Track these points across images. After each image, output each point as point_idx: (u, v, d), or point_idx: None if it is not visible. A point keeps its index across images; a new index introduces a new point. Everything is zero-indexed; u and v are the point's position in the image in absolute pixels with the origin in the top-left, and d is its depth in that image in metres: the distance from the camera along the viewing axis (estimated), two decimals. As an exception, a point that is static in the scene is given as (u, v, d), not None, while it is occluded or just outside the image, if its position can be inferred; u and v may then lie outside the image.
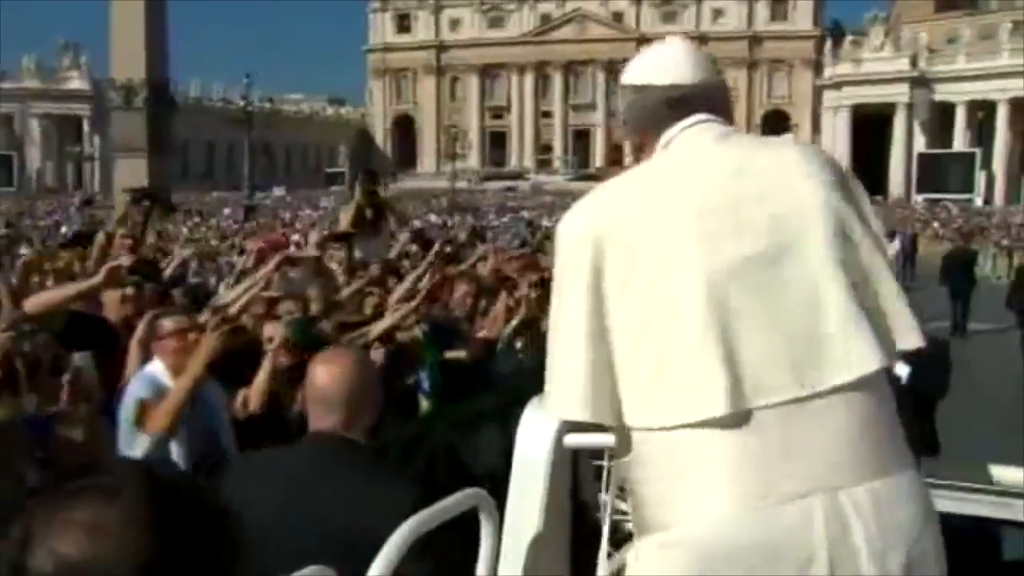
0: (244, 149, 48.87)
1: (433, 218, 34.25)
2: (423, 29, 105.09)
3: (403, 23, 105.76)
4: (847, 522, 1.59)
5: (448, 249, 7.81)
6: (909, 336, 1.75)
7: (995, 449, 2.93)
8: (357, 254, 7.01)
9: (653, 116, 1.88)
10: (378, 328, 5.08)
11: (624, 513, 2.23)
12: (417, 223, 19.38)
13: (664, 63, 1.92)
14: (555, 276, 1.86)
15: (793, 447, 1.62)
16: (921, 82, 73.09)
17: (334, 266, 6.72)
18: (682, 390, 1.66)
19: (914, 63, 74.63)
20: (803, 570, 1.58)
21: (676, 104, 1.86)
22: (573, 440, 2.09)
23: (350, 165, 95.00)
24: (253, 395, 4.15)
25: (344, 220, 8.62)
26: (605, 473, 2.25)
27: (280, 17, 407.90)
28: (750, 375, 1.65)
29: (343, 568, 1.68)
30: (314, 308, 5.15)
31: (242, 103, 49.63)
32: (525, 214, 36.56)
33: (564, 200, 55.63)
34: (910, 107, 72.75)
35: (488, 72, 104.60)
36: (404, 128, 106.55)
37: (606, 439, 2.00)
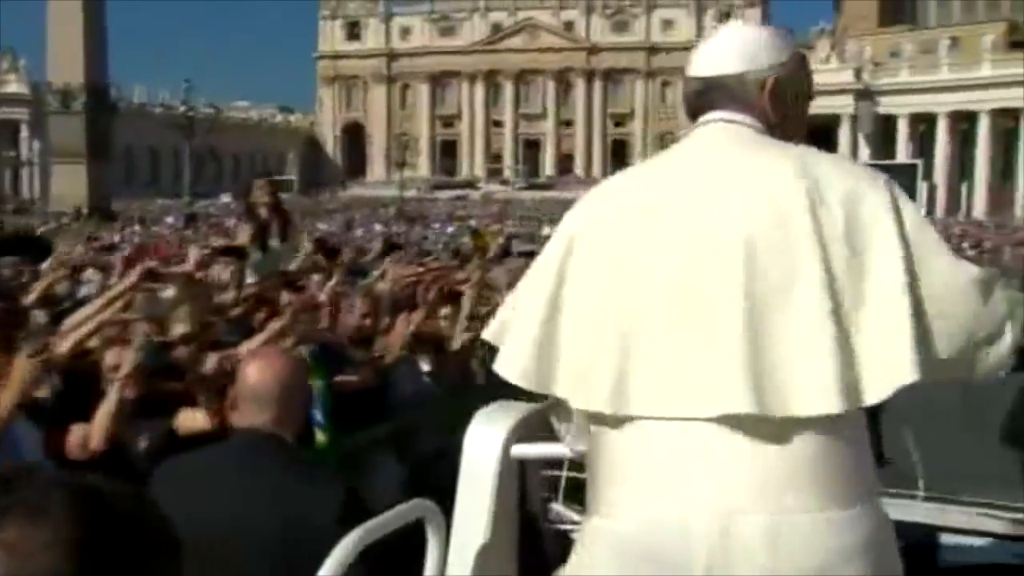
0: (186, 156, 47.97)
1: (378, 227, 33.85)
2: (373, 37, 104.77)
3: (353, 31, 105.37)
4: (732, 548, 1.56)
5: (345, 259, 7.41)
6: (876, 386, 1.62)
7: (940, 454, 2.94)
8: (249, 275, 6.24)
9: (689, 108, 1.84)
10: (246, 348, 4.30)
11: (576, 523, 2.28)
12: (321, 229, 18.23)
13: (699, 51, 1.87)
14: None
15: (698, 463, 1.60)
16: (865, 94, 74.32)
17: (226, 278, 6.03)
18: (607, 385, 1.68)
19: (858, 76, 75.92)
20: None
21: (698, 97, 1.82)
22: (520, 450, 2.10)
23: (299, 172, 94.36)
24: (95, 432, 3.56)
25: (242, 233, 8.17)
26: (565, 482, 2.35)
27: (230, 25, 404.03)
28: (666, 386, 1.64)
29: (277, 565, 1.69)
30: (178, 330, 4.49)
31: (182, 108, 48.87)
32: (473, 223, 36.33)
33: (513, 209, 56.69)
34: (855, 119, 73.79)
35: (439, 80, 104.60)
36: (354, 136, 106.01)
37: (553, 448, 2.04)
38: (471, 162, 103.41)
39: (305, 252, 7.19)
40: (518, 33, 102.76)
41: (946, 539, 2.70)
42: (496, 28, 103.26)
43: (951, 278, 1.65)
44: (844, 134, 73.42)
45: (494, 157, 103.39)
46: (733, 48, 1.82)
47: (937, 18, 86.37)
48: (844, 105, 73.66)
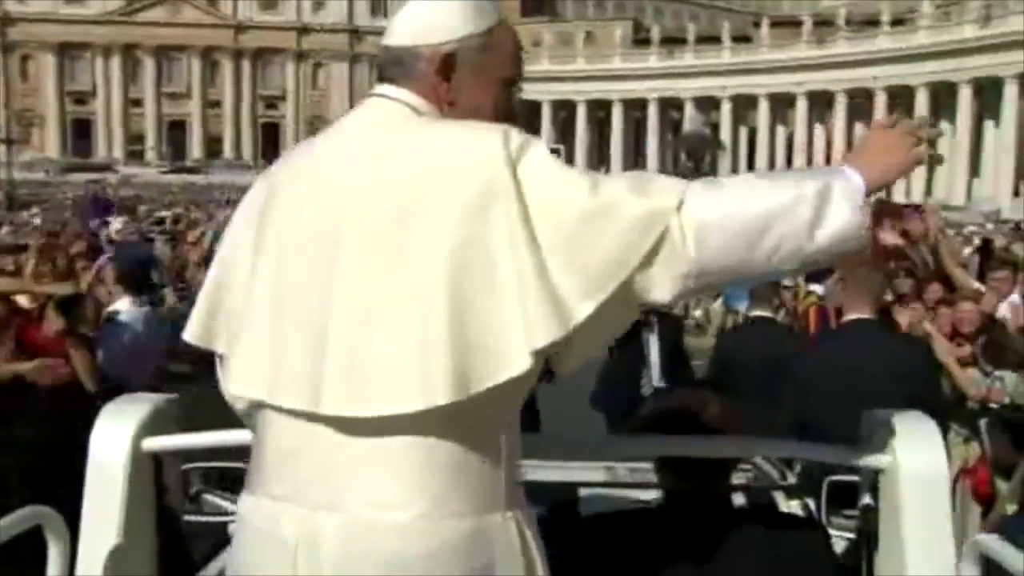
0: None
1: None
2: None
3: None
4: (317, 543, 1.52)
5: None
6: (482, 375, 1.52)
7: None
8: None
9: (378, 78, 1.74)
10: None
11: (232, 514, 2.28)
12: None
13: (392, 19, 1.74)
14: None
15: (299, 453, 1.57)
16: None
17: None
18: (239, 362, 1.66)
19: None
20: (270, 567, 1.57)
21: (380, 68, 1.71)
22: (153, 444, 2.02)
23: None
24: None
25: None
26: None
27: None
28: (285, 373, 1.58)
29: None
30: None
31: None
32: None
33: (153, 192, 52.28)
34: (499, 105, 76.32)
35: (67, 52, 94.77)
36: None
37: (192, 439, 2.06)
38: (109, 143, 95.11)
39: None
40: (158, 5, 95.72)
41: (582, 493, 2.99)
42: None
43: (568, 214, 1.51)
44: (491, 119, 75.45)
45: (135, 138, 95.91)
46: (412, 17, 1.68)
47: (573, 12, 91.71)
48: (489, 90, 75.76)
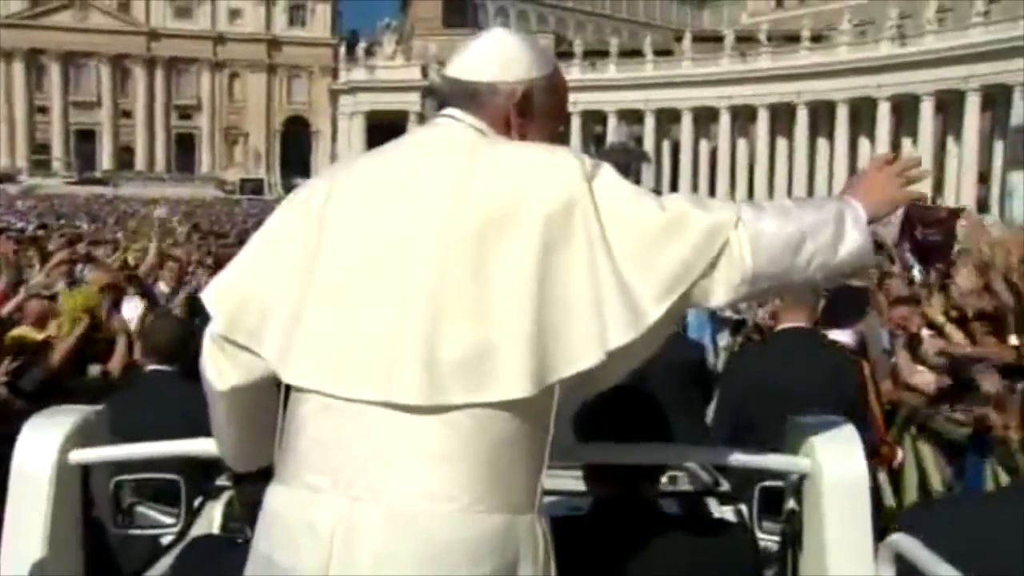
0: None
1: None
2: None
3: None
4: (357, 534, 1.57)
5: None
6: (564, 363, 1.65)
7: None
8: None
9: (439, 102, 1.91)
10: None
11: (167, 525, 2.41)
12: None
13: (460, 53, 1.92)
14: None
15: (341, 445, 1.62)
16: (431, 92, 75.55)
17: None
18: (298, 354, 1.70)
19: (425, 73, 77.27)
20: (302, 557, 1.60)
21: (448, 96, 1.87)
22: (80, 455, 2.01)
23: None
24: None
25: None
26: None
27: None
28: (353, 366, 1.65)
29: None
30: None
31: None
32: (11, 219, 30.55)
33: (61, 204, 49.40)
34: (421, 115, 75.02)
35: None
36: None
37: (121, 450, 2.06)
38: (11, 153, 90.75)
39: None
40: (64, 9, 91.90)
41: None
42: (36, 1, 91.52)
43: (643, 229, 1.69)
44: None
45: (40, 148, 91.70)
46: (488, 55, 1.86)
47: (495, 24, 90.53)
48: (411, 101, 74.55)
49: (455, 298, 1.61)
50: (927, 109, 59.69)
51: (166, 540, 2.76)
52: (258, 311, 1.76)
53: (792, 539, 2.07)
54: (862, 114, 63.40)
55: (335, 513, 1.57)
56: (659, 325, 1.66)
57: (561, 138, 1.92)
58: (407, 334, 1.61)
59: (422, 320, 1.61)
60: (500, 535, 1.59)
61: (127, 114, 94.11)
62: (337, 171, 1.87)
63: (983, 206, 52.80)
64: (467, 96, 1.83)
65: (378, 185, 1.74)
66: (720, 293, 1.70)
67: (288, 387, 1.73)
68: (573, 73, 71.14)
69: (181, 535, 2.64)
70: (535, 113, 1.84)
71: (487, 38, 1.89)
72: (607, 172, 1.71)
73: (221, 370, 1.82)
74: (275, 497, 1.68)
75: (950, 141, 59.66)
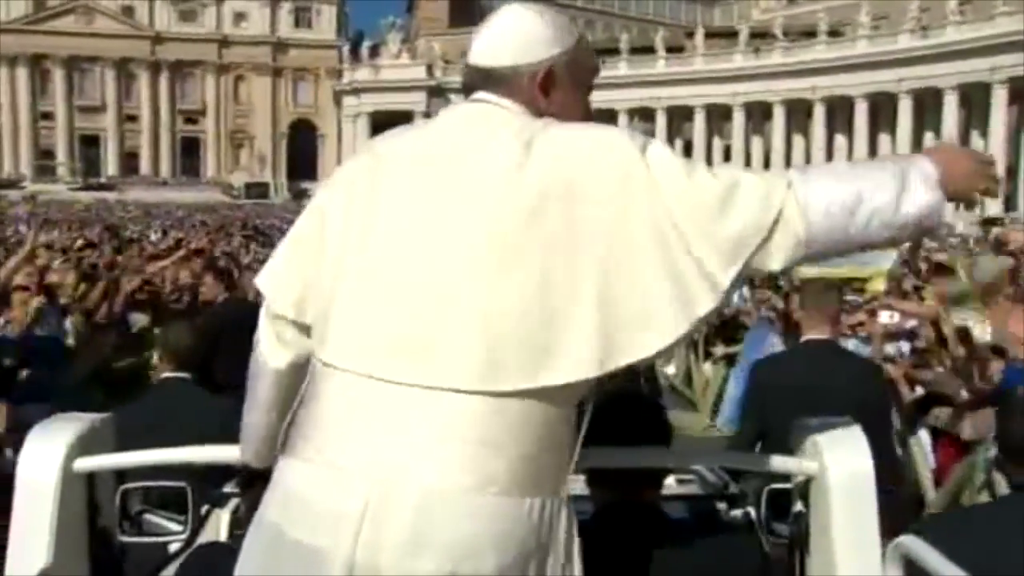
0: None
1: None
2: None
3: None
4: (388, 514, 1.56)
5: None
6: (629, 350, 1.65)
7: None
8: None
9: (465, 89, 1.87)
10: None
11: (174, 533, 2.43)
12: None
13: (478, 38, 1.89)
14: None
15: (372, 426, 1.61)
16: (437, 91, 74.14)
17: None
18: (340, 331, 1.69)
19: (430, 73, 75.83)
20: (322, 535, 1.58)
21: (473, 81, 1.84)
22: (85, 464, 2.02)
23: None
24: None
25: None
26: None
27: None
28: (384, 343, 1.63)
29: None
30: None
31: None
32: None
33: (67, 210, 48.03)
34: (427, 115, 73.31)
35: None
36: None
37: (125, 458, 2.08)
38: (15, 158, 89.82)
39: None
40: (68, 14, 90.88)
41: None
42: (40, 5, 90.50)
43: (702, 198, 1.67)
44: (418, 131, 72.74)
45: (45, 154, 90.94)
46: (507, 38, 1.84)
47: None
48: (416, 101, 73.13)
49: (513, 280, 1.61)
50: (950, 103, 57.76)
51: (173, 547, 2.76)
52: (302, 289, 1.78)
53: (799, 541, 2.06)
54: (882, 109, 61.44)
55: (364, 493, 1.55)
56: (730, 291, 1.68)
57: (589, 109, 1.88)
58: (462, 316, 1.60)
59: (478, 302, 1.60)
60: (536, 518, 1.61)
61: (132, 119, 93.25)
62: (380, 146, 1.83)
63: (1010, 203, 50.85)
64: (492, 81, 1.80)
65: (427, 162, 1.73)
66: (779, 257, 1.70)
67: (313, 367, 1.73)
68: (582, 71, 69.52)
69: (188, 543, 2.64)
70: (562, 89, 1.82)
71: (504, 17, 1.85)
72: (657, 146, 1.71)
73: (275, 349, 1.86)
74: (292, 473, 1.65)
75: (975, 136, 57.65)
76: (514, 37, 1.82)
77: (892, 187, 1.71)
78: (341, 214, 1.77)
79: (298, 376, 1.81)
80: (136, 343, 6.42)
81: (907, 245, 8.11)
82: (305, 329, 1.80)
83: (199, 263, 8.41)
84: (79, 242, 10.20)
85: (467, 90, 1.84)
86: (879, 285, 8.79)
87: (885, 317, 6.94)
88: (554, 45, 1.82)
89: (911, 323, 6.89)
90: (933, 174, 1.73)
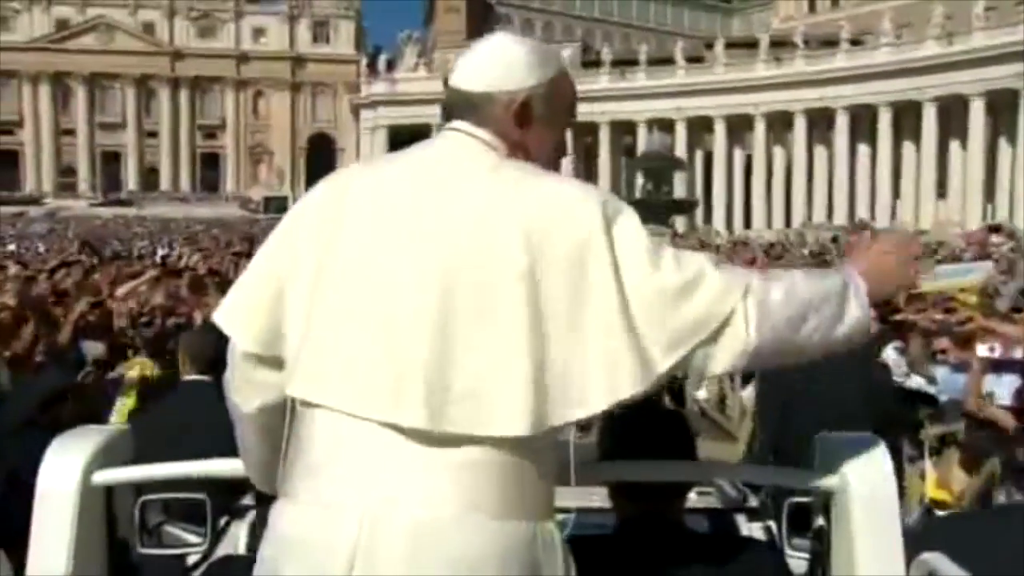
0: None
1: None
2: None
3: None
4: (381, 545, 1.57)
5: None
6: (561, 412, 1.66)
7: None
8: None
9: (444, 112, 1.87)
10: None
11: (192, 544, 2.44)
12: None
13: (460, 61, 1.88)
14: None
15: (354, 461, 1.62)
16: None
17: None
18: (309, 367, 1.69)
19: (447, 85, 75.28)
20: (317, 571, 1.59)
21: (451, 105, 1.84)
22: (104, 476, 2.04)
23: None
24: None
25: None
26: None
27: None
28: (349, 379, 1.65)
29: None
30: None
31: None
32: (12, 246, 29.33)
33: (85, 226, 47.85)
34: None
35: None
36: None
37: (144, 471, 2.09)
38: (38, 175, 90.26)
39: None
40: (89, 32, 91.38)
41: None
42: (62, 24, 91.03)
43: (658, 285, 1.69)
44: (436, 145, 72.35)
45: (67, 170, 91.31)
46: (486, 63, 1.82)
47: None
48: (433, 114, 72.57)
49: (463, 328, 1.62)
50: (977, 110, 56.67)
51: (192, 559, 2.77)
52: (268, 321, 1.76)
53: (821, 556, 2.05)
54: (905, 118, 60.46)
55: (354, 529, 1.57)
56: (663, 378, 1.69)
57: (563, 144, 1.88)
58: (415, 359, 1.62)
59: (430, 347, 1.62)
60: (526, 542, 1.63)
61: (152, 135, 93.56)
62: (345, 180, 1.81)
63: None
64: (467, 106, 1.79)
65: (394, 200, 1.71)
66: (722, 360, 1.71)
67: (294, 404, 1.74)
68: (601, 83, 68.93)
69: (206, 555, 2.65)
70: (537, 122, 1.80)
71: (487, 44, 1.85)
72: (628, 220, 1.70)
73: (244, 392, 1.85)
74: (284, 515, 1.67)
75: (1002, 143, 56.60)
76: (492, 64, 1.80)
77: (833, 305, 1.75)
78: (307, 246, 1.73)
79: (277, 415, 1.78)
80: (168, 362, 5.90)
81: (1007, 247, 6.93)
82: (276, 363, 1.75)
83: (181, 283, 7.92)
84: (51, 263, 9.63)
85: (445, 112, 1.83)
86: (972, 298, 7.08)
87: (984, 351, 5.55)
88: (531, 76, 1.79)
89: (1020, 352, 5.49)
90: (863, 290, 1.79)
